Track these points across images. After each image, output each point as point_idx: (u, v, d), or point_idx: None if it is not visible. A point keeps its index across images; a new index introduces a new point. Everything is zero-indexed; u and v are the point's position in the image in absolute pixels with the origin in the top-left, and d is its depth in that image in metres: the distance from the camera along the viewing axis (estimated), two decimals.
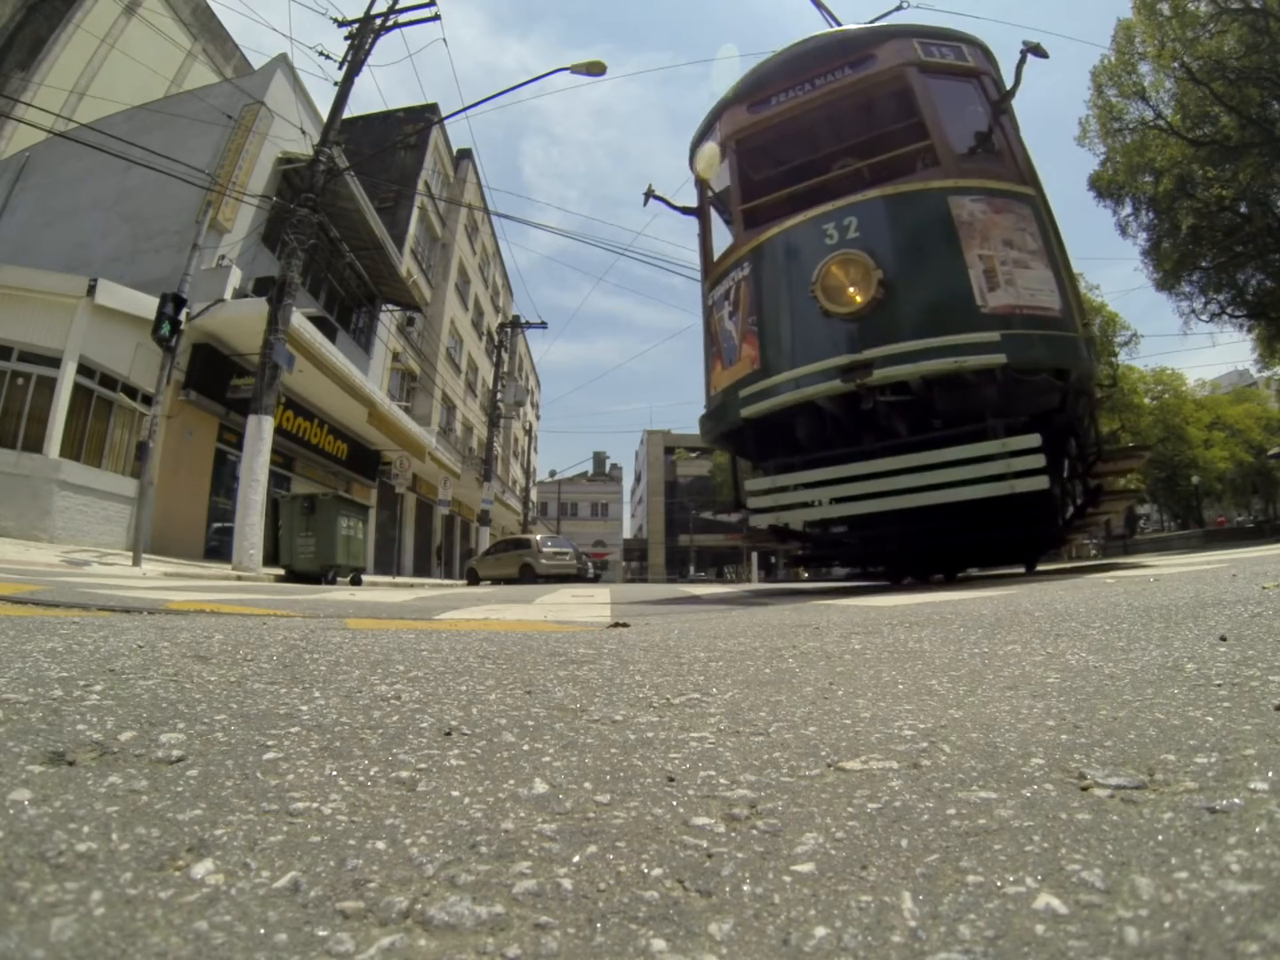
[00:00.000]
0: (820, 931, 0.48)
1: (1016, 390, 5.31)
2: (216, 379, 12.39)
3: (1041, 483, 4.85)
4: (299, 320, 11.51)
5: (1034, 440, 4.92)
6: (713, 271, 7.20)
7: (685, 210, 7.82)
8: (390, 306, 20.40)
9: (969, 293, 5.33)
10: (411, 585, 12.27)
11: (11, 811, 0.65)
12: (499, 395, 25.70)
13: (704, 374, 7.31)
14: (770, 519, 6.36)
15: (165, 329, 8.93)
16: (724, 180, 7.20)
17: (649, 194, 7.76)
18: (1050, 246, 5.70)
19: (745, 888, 0.54)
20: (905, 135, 6.40)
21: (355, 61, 11.59)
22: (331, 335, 14.51)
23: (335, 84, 11.61)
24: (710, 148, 7.00)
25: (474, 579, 19.62)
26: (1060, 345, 5.49)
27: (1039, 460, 4.87)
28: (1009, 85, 6.16)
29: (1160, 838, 0.59)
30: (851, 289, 5.62)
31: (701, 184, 7.54)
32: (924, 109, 5.96)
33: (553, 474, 52.97)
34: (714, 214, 7.68)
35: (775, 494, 6.20)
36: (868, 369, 5.38)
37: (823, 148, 7.22)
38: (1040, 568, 8.48)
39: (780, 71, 6.77)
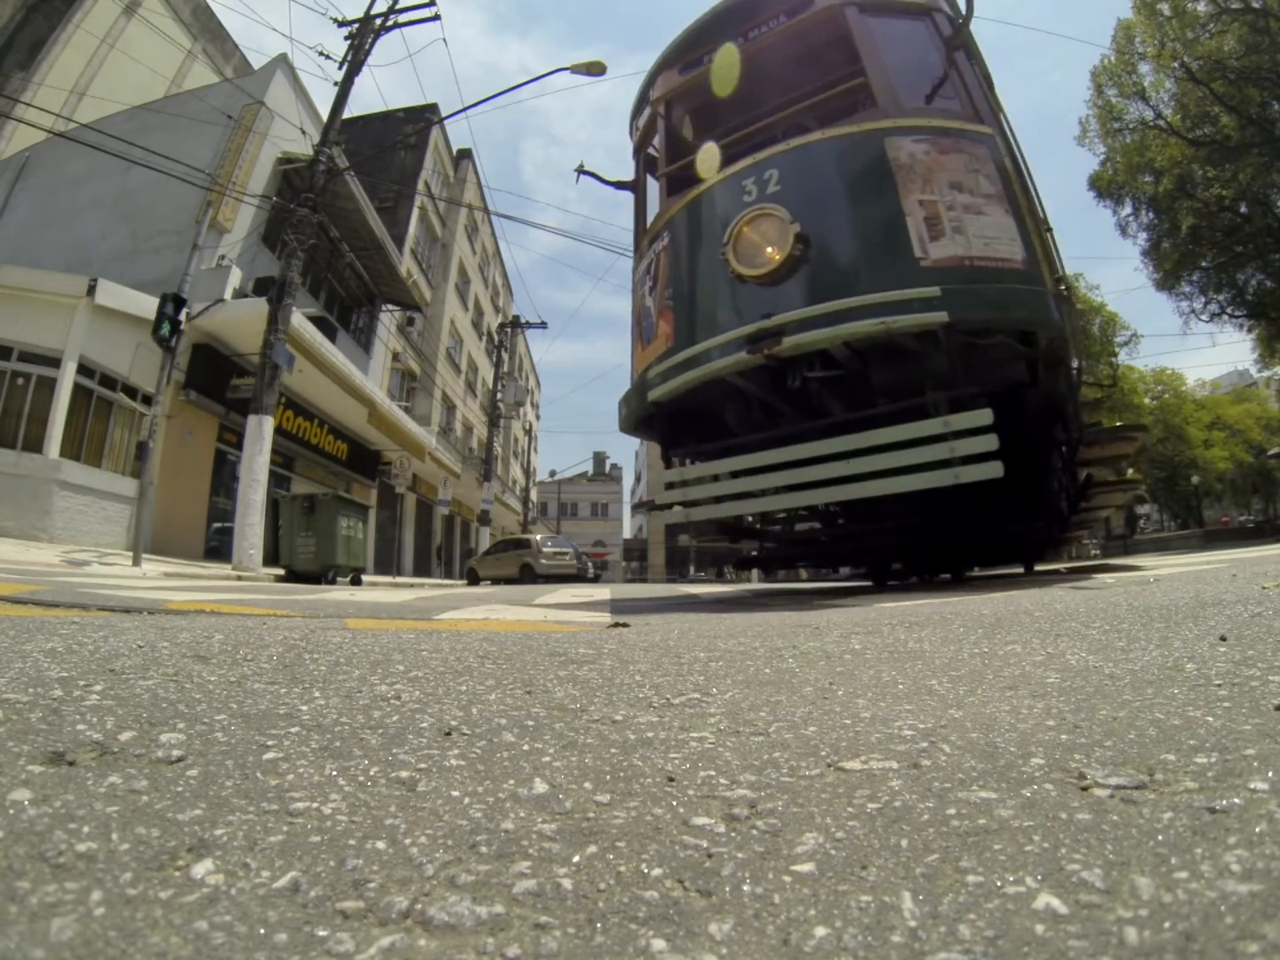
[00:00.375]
0: (820, 931, 0.48)
1: (971, 359, 4.55)
2: (216, 379, 12.39)
3: (993, 470, 4.09)
4: (299, 320, 11.51)
5: (983, 417, 4.16)
6: (640, 247, 6.63)
7: (619, 185, 7.29)
8: (390, 306, 20.40)
9: (905, 244, 4.61)
10: (411, 585, 12.27)
11: (11, 811, 0.65)
12: (499, 395, 25.70)
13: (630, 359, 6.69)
14: (679, 516, 5.77)
15: (165, 329, 8.93)
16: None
17: (580, 170, 7.33)
18: (1011, 191, 4.90)
19: (745, 888, 0.54)
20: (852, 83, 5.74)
21: (355, 61, 11.59)
22: (331, 335, 14.51)
23: (335, 84, 11.61)
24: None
25: (474, 579, 19.62)
26: (1021, 300, 4.58)
27: (990, 442, 4.09)
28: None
29: (1160, 838, 0.59)
30: (769, 249, 4.94)
31: (638, 156, 7.03)
32: (861, 47, 5.37)
33: (553, 474, 52.95)
34: (654, 188, 6.92)
35: (683, 487, 5.55)
36: (778, 337, 4.65)
37: (764, 105, 6.47)
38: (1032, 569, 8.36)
39: (710, 27, 6.16)
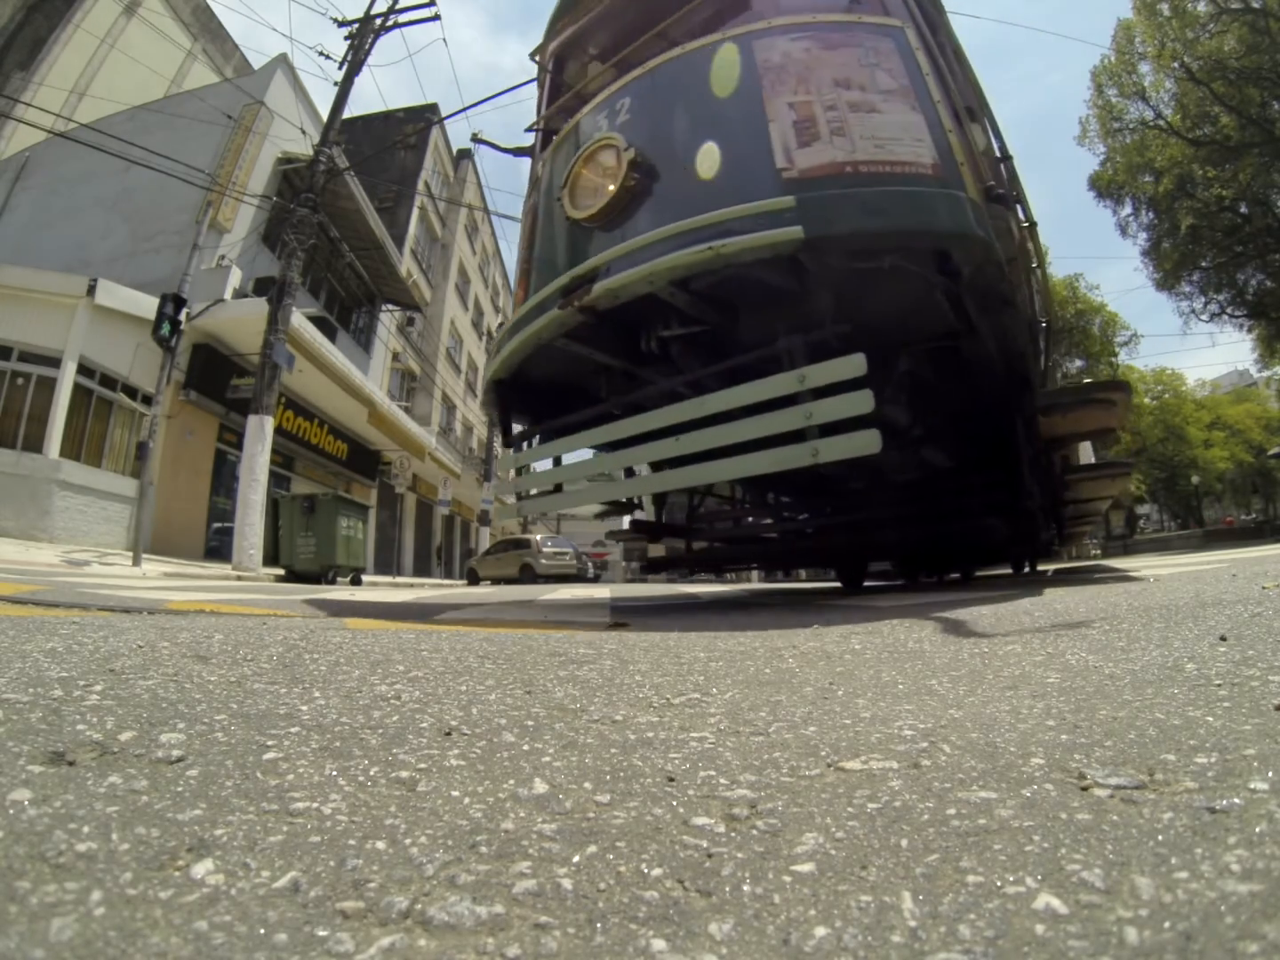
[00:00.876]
0: (820, 931, 0.48)
1: (869, 296, 3.62)
2: (216, 379, 12.39)
3: (868, 443, 2.89)
4: (299, 320, 11.51)
5: (851, 366, 2.96)
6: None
7: (517, 152, 6.53)
8: (390, 306, 20.41)
9: (765, 154, 3.59)
10: (411, 585, 12.27)
11: (11, 811, 0.65)
12: None
13: None
14: (512, 512, 4.91)
15: (165, 329, 8.94)
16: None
17: (475, 138, 6.84)
18: (922, 86, 3.78)
19: (745, 888, 0.54)
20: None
21: (355, 61, 11.61)
22: (331, 335, 14.52)
23: (335, 84, 11.63)
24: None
25: (474, 579, 19.63)
26: (917, 204, 3.36)
27: (862, 402, 2.88)
28: None
29: (1160, 838, 0.59)
30: (610, 185, 4.07)
31: (539, 118, 6.26)
32: None
33: None
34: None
35: (518, 478, 4.86)
36: (591, 284, 3.73)
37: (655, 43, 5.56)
38: (1026, 570, 8.23)
39: None
